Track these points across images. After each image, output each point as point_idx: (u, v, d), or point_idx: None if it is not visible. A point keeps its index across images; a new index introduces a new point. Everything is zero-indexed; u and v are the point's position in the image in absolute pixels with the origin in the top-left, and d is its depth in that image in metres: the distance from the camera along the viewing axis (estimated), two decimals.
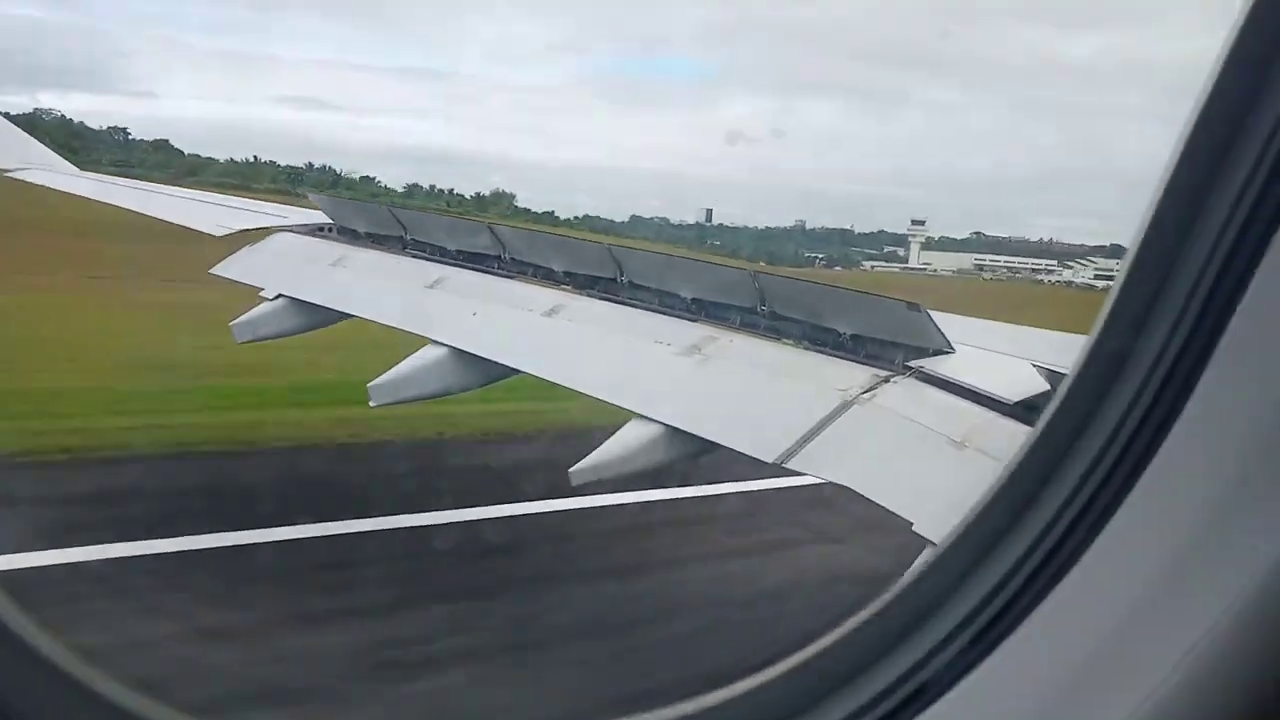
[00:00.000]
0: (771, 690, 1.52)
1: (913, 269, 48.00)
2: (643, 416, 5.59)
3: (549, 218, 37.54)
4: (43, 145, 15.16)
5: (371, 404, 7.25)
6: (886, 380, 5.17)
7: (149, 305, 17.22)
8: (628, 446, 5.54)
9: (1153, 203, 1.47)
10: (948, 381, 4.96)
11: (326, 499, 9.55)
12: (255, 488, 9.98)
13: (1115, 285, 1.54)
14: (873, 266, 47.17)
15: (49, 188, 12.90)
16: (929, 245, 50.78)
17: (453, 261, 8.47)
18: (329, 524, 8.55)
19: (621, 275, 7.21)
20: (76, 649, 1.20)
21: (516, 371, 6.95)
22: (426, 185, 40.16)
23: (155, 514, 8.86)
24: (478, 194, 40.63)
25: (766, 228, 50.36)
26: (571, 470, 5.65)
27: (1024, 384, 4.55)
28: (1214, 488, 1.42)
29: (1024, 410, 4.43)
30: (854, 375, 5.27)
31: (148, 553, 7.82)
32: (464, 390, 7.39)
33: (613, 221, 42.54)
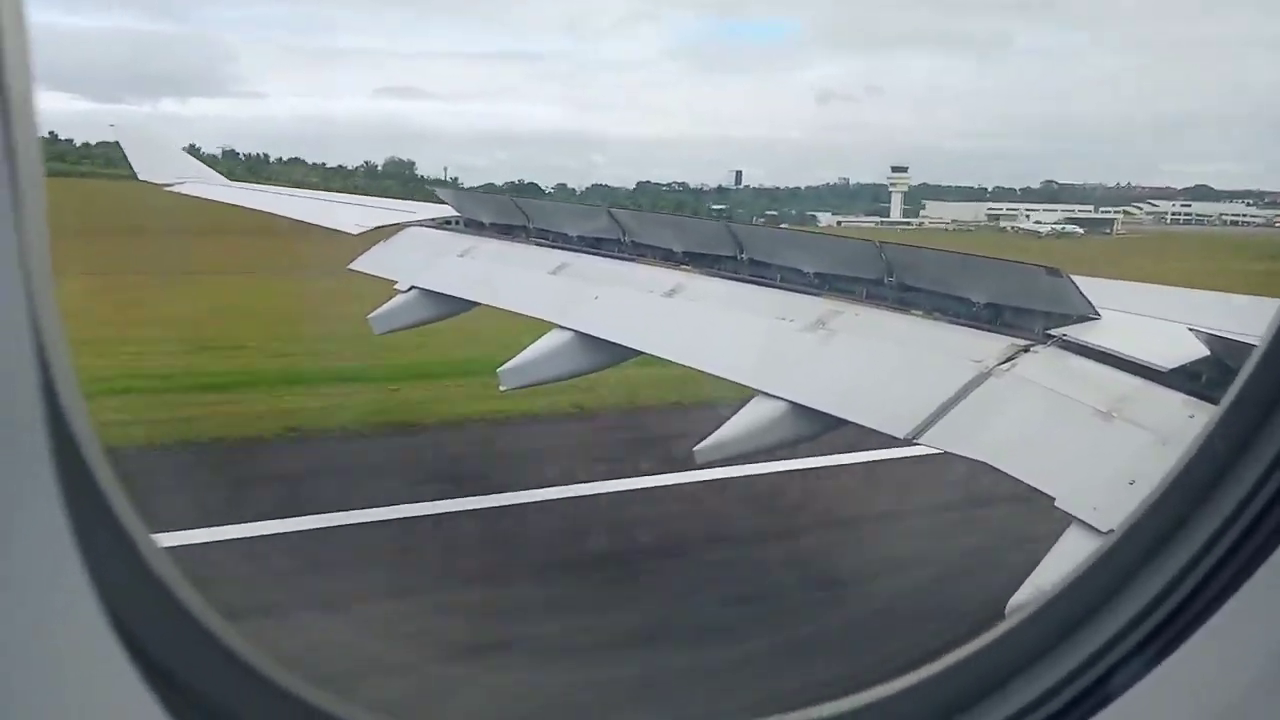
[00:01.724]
0: (930, 687, 1.44)
1: (891, 222, 41.98)
2: (766, 394, 5.54)
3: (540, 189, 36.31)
4: (197, 160, 16.55)
5: (502, 388, 7.50)
6: (1025, 350, 4.91)
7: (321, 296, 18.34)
8: (752, 424, 5.50)
9: None
10: (1093, 349, 4.67)
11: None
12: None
13: None
14: (839, 223, 40.36)
15: (206, 198, 14.03)
16: (947, 196, 47.07)
17: (574, 247, 8.61)
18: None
19: (741, 253, 7.13)
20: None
21: (639, 353, 7.01)
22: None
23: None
24: (366, 163, 39.94)
25: (803, 188, 47.79)
26: (696, 449, 5.66)
27: (1180, 350, 4.23)
28: None
29: (1181, 378, 4.12)
30: (990, 345, 5.04)
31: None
32: (590, 372, 7.54)
33: (613, 189, 40.89)
